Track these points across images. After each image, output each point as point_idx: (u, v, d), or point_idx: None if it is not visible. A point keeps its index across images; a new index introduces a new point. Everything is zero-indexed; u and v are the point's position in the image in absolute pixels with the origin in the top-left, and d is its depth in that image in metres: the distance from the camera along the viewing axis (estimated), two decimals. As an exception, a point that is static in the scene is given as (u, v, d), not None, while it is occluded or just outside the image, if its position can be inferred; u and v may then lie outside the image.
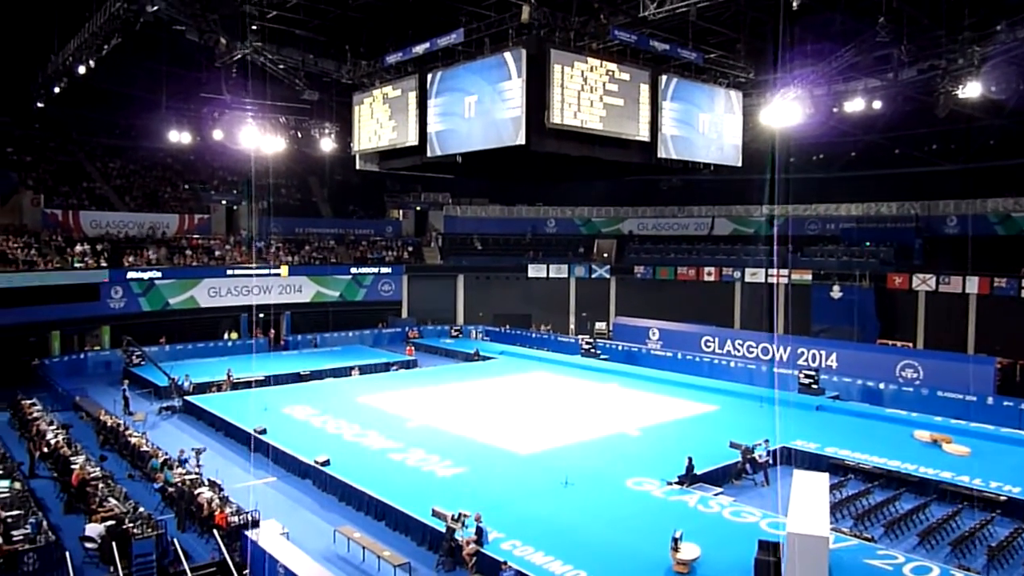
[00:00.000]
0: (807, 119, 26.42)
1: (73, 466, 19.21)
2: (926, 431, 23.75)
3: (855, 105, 26.52)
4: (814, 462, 20.89)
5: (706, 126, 15.60)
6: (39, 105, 33.24)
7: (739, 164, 16.53)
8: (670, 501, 18.13)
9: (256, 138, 32.89)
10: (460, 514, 15.51)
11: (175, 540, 15.85)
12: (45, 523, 16.04)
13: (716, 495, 18.67)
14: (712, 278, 42.99)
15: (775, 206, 41.96)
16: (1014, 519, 17.53)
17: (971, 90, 22.83)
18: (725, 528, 16.54)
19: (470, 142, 13.10)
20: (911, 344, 34.63)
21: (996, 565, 15.34)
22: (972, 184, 37.69)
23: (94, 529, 15.49)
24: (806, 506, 13.68)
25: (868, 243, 39.18)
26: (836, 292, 36.92)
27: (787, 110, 25.24)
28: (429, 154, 14.08)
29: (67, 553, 14.77)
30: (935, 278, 34.96)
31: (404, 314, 46.74)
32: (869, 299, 36.21)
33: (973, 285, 33.74)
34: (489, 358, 38.83)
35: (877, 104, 26.49)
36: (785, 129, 26.37)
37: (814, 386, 29.29)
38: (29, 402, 26.52)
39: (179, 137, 35.62)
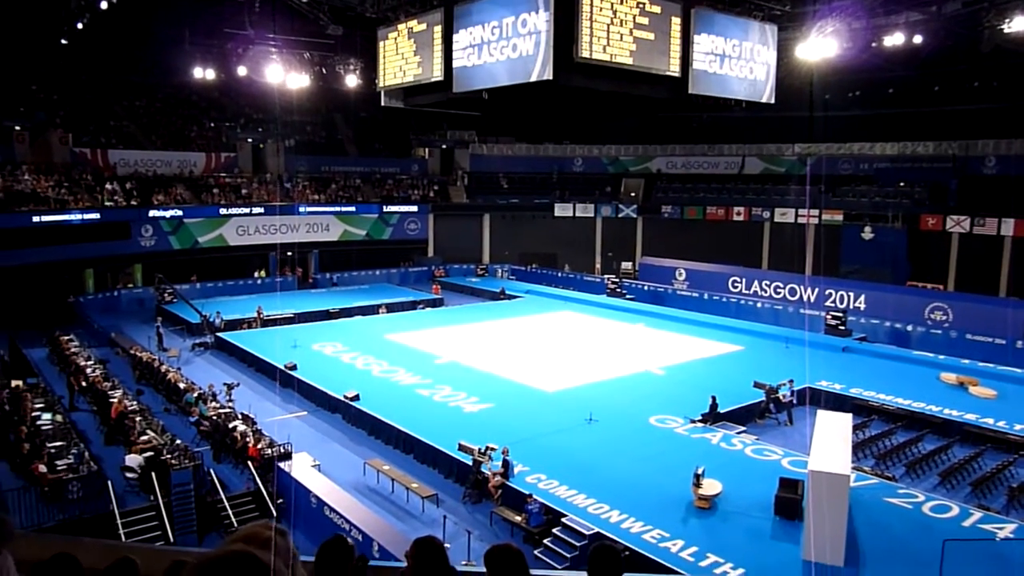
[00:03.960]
0: (844, 54, 25.56)
1: (111, 400, 19.85)
2: (952, 373, 23.65)
3: (895, 39, 25.56)
4: (838, 403, 20.89)
5: (739, 61, 15.14)
6: (63, 42, 33.11)
7: (772, 101, 16.03)
8: (693, 438, 18.34)
9: (281, 75, 32.57)
10: (487, 448, 15.83)
11: (211, 471, 16.45)
12: (87, 454, 16.67)
13: (739, 433, 18.85)
14: (741, 218, 42.45)
15: (808, 145, 41.02)
16: (1039, 461, 17.56)
17: (1018, 24, 21.89)
18: (747, 465, 16.73)
19: (496, 77, 12.84)
20: (942, 287, 34.15)
21: (1016, 505, 15.44)
22: (1015, 123, 36.44)
23: (134, 459, 16.07)
24: (828, 445, 13.75)
25: (902, 183, 38.29)
26: (867, 233, 36.32)
27: (824, 44, 24.46)
28: (455, 90, 13.84)
29: (109, 482, 15.35)
30: (970, 220, 34.19)
31: (430, 253, 46.89)
32: (901, 240, 35.62)
33: (1009, 227, 33.01)
34: (515, 297, 39.02)
35: (918, 39, 25.53)
36: (821, 65, 25.59)
37: (841, 327, 29.13)
38: (66, 338, 27.23)
39: (203, 74, 35.24)
